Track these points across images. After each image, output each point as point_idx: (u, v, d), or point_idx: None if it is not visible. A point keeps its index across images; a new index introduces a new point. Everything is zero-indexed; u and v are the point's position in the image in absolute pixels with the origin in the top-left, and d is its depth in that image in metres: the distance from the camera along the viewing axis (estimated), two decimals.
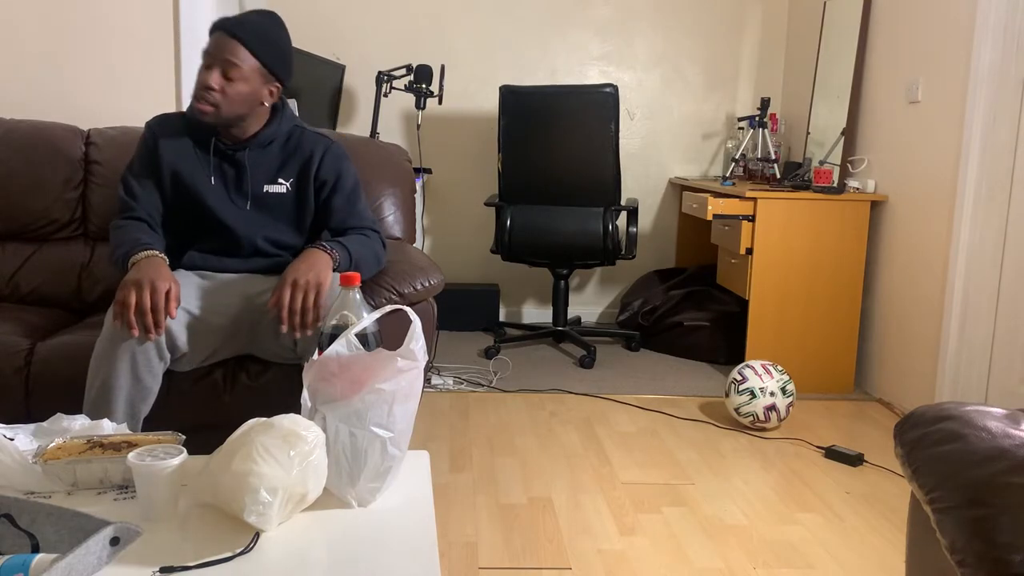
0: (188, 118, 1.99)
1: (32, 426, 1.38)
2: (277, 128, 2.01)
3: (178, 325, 1.80)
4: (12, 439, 1.30)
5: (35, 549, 1.06)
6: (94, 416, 1.73)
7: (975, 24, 2.83)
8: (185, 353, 1.84)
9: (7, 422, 1.36)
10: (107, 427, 1.41)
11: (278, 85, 1.96)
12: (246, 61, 1.88)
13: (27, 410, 1.95)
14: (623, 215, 4.00)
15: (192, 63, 3.01)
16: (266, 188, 2.00)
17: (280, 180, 2.01)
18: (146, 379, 1.76)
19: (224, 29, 1.87)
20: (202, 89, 1.86)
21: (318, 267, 1.81)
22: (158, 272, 1.76)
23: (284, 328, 1.77)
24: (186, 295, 1.85)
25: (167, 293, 1.73)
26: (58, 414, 1.42)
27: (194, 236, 2.01)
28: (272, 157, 2.01)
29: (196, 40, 3.00)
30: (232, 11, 3.55)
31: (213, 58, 1.86)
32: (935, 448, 1.13)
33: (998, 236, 2.87)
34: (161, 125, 2.01)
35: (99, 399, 1.74)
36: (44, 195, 2.47)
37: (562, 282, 3.93)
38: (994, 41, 2.78)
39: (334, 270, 1.85)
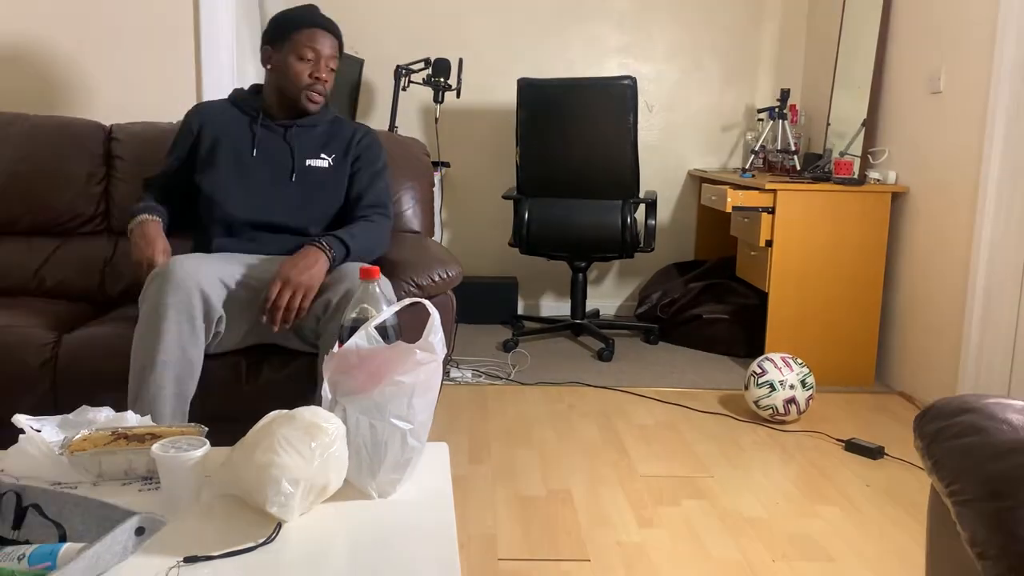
0: (232, 101, 2.20)
1: (58, 418, 1.40)
2: (323, 114, 2.19)
3: (217, 297, 1.84)
4: (39, 431, 1.32)
5: (62, 538, 1.07)
6: (140, 399, 1.74)
7: (999, 14, 2.79)
8: (219, 333, 1.88)
9: (34, 414, 1.38)
10: (131, 419, 1.43)
11: None
12: (337, 56, 2.14)
13: (53, 402, 1.98)
14: (642, 208, 3.98)
15: (212, 59, 3.03)
16: (308, 162, 2.14)
17: (323, 155, 2.16)
18: (191, 352, 1.79)
19: (327, 28, 2.11)
20: (318, 83, 2.10)
21: (313, 270, 1.87)
22: (144, 236, 1.97)
23: (264, 320, 1.85)
24: (225, 271, 1.90)
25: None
26: (83, 406, 1.44)
27: (231, 212, 2.07)
28: (316, 136, 2.17)
29: (216, 36, 3.02)
30: (252, 9, 3.57)
31: (319, 54, 2.09)
32: (955, 441, 1.12)
33: (1021, 227, 2.84)
34: (202, 109, 2.20)
35: (146, 378, 1.74)
36: (68, 190, 2.50)
37: (580, 275, 3.93)
38: (1018, 31, 2.74)
39: (331, 267, 1.93)
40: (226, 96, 2.26)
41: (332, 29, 2.13)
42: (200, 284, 1.79)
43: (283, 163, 2.12)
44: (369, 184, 2.17)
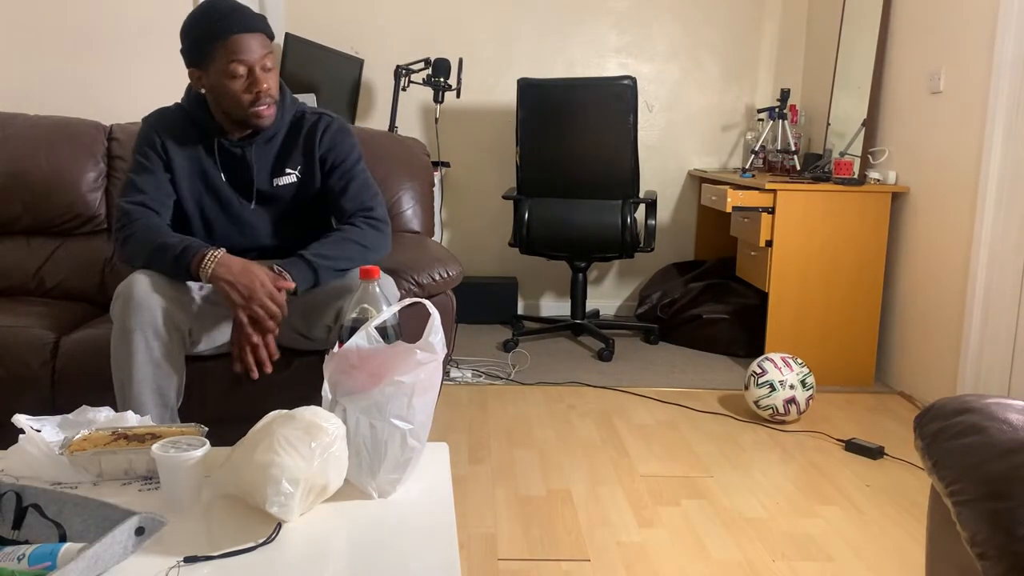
0: (187, 113, 1.94)
1: (58, 418, 1.40)
2: (281, 119, 1.94)
3: (180, 308, 1.80)
4: (39, 431, 1.32)
5: (62, 538, 1.07)
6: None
7: (999, 13, 2.79)
8: (196, 340, 1.87)
9: (34, 414, 1.38)
10: (131, 419, 1.43)
11: None
12: (271, 51, 1.85)
13: (53, 402, 1.98)
14: (641, 208, 3.98)
15: None
16: (275, 182, 1.96)
17: (288, 170, 1.96)
18: (166, 365, 1.77)
19: (245, 28, 1.80)
20: (267, 95, 1.83)
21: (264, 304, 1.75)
22: (259, 272, 1.74)
23: (238, 369, 1.77)
24: (191, 284, 1.87)
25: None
26: (83, 406, 1.44)
27: (202, 234, 1.98)
28: (279, 149, 1.96)
29: None
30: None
31: (248, 63, 1.81)
32: (955, 441, 1.12)
33: (1021, 227, 2.84)
34: (162, 122, 1.94)
35: (127, 394, 1.76)
36: (68, 190, 2.50)
37: (580, 275, 3.93)
38: (1018, 30, 2.74)
39: (292, 294, 1.81)
40: (181, 99, 1.98)
41: (251, 25, 1.80)
42: (160, 300, 1.76)
43: (244, 188, 1.95)
44: (344, 187, 1.96)
